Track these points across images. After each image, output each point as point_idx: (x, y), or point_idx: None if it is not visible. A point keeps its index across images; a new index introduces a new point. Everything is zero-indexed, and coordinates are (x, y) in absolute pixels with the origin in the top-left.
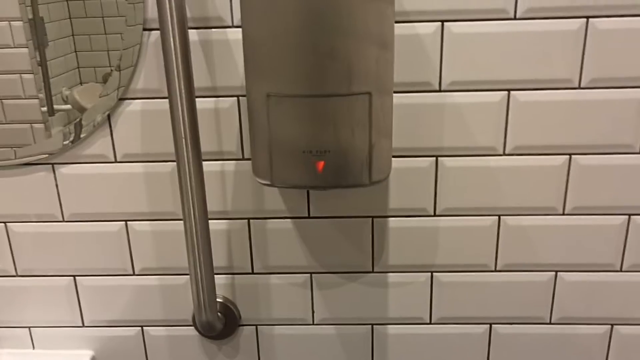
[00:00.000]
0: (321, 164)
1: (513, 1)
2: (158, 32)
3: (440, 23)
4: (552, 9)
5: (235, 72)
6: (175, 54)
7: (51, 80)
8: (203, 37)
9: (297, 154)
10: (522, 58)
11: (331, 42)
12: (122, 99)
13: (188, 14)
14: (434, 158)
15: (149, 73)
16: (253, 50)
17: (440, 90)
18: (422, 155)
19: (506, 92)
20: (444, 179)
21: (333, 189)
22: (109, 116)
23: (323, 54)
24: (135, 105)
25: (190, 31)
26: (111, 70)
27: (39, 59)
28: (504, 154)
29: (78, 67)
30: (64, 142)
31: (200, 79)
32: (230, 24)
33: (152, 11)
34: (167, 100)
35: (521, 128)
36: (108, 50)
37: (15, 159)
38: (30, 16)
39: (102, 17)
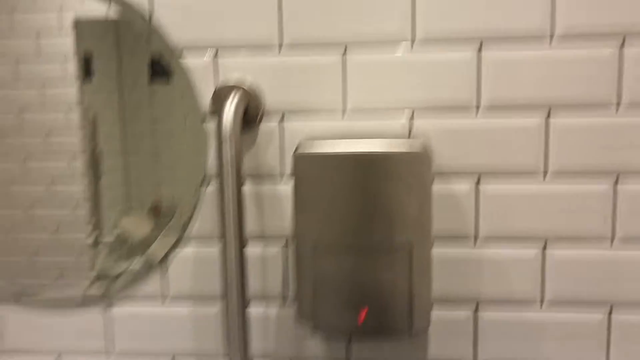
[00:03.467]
0: (362, 315)
1: (542, 163)
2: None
3: (475, 181)
4: (581, 172)
5: (282, 222)
6: (231, 207)
7: (101, 210)
8: (255, 189)
9: (340, 303)
10: (556, 213)
11: (374, 204)
12: (177, 243)
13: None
14: (473, 310)
15: (204, 220)
16: (303, 208)
17: (476, 245)
18: (461, 308)
19: (541, 248)
20: (483, 330)
21: (374, 338)
22: (164, 259)
23: (367, 214)
24: (188, 249)
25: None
26: (160, 201)
27: (93, 190)
28: (541, 309)
29: (127, 198)
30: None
31: (250, 226)
32: (280, 180)
33: (211, 166)
34: (218, 245)
35: (558, 282)
36: (158, 184)
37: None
38: (91, 149)
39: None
